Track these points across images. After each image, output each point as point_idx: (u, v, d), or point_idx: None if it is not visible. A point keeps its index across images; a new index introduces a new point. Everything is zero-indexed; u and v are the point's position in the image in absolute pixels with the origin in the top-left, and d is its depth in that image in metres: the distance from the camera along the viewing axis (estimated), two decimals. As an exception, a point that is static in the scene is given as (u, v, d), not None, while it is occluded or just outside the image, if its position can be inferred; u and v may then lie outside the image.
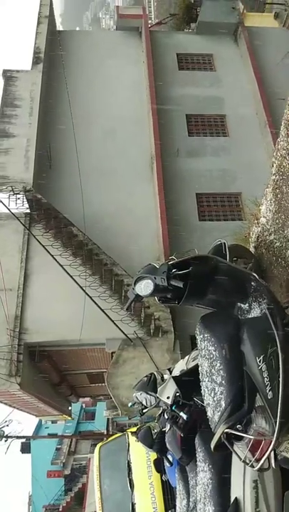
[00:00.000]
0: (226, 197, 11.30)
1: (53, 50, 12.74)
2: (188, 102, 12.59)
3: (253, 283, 3.40)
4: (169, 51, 13.66)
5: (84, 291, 8.60)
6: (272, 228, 4.41)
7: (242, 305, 3.34)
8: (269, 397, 2.30)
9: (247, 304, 3.31)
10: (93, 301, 8.46)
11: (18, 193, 9.51)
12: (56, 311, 9.03)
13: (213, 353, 2.63)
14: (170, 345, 8.76)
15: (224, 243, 4.05)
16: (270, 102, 12.15)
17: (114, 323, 8.32)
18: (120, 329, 8.39)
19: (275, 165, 4.32)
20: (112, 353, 9.12)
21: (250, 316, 3.05)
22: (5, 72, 11.70)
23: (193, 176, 11.31)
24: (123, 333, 8.47)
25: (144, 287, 3.23)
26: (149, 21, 16.97)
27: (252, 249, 4.94)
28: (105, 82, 12.69)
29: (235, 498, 2.86)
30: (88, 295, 8.54)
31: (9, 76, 11.58)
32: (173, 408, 3.37)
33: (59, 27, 14.40)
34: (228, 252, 4.04)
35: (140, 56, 13.32)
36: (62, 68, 11.76)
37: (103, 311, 8.33)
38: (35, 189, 9.73)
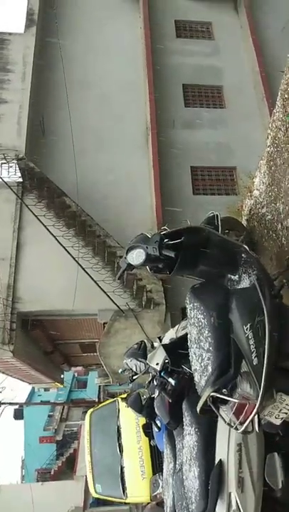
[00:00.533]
0: (220, 171, 11.23)
1: (47, 12, 12.23)
2: (186, 71, 12.30)
3: (243, 255, 3.44)
4: (167, 17, 13.19)
5: (77, 262, 8.61)
6: (265, 201, 4.43)
7: (232, 276, 3.39)
8: (254, 363, 2.38)
9: (237, 275, 3.36)
10: (86, 272, 8.50)
11: (11, 161, 9.34)
12: (49, 281, 9.08)
13: (202, 321, 2.69)
14: (161, 317, 8.90)
15: (217, 215, 4.07)
16: (269, 73, 11.89)
17: (107, 295, 8.40)
18: (112, 300, 8.48)
19: (270, 137, 4.29)
20: (104, 323, 9.25)
21: (239, 287, 3.11)
22: (-4, 34, 11.27)
23: (188, 148, 11.18)
24: (115, 304, 8.56)
25: (136, 256, 3.26)
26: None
27: (244, 222, 4.97)
28: (101, 47, 12.29)
29: (220, 460, 2.99)
30: (81, 266, 8.56)
31: (1, 39, 11.16)
32: (162, 374, 3.47)
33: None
34: (220, 224, 4.06)
35: (137, 21, 12.86)
36: (56, 32, 11.34)
37: (96, 282, 8.39)
38: (27, 157, 9.57)
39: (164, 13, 13.28)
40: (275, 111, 4.14)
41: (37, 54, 11.13)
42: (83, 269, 8.53)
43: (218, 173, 11.16)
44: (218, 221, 4.06)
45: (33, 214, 8.96)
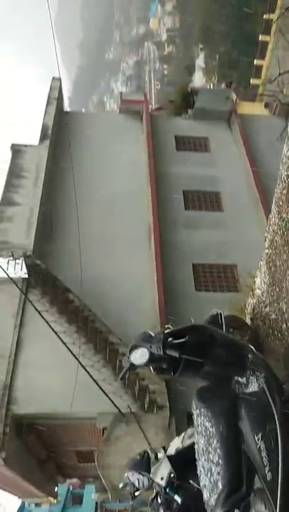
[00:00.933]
0: (221, 268, 11.50)
1: (60, 128, 13.71)
2: (185, 179, 13.33)
3: (249, 355, 3.36)
4: (167, 133, 14.72)
5: (77, 359, 8.36)
6: (268, 300, 4.47)
7: (239, 378, 3.28)
8: (268, 479, 2.19)
9: (244, 378, 3.26)
10: (86, 370, 8.20)
11: (18, 258, 9.65)
12: (47, 380, 8.72)
13: (210, 429, 2.54)
14: (165, 422, 8.34)
15: (220, 313, 4.07)
16: (263, 181, 12.89)
17: (107, 395, 7.99)
18: (113, 402, 8.04)
19: (267, 239, 4.50)
20: (103, 428, 8.65)
21: (247, 391, 2.99)
22: (13, 146, 12.47)
23: (189, 247, 11.62)
24: (116, 406, 8.11)
25: (140, 356, 3.20)
26: (150, 106, 18.47)
27: (248, 321, 4.95)
28: (107, 158, 13.50)
29: None
30: (81, 364, 8.29)
31: (17, 150, 12.33)
32: (167, 491, 3.17)
33: (66, 108, 15.63)
34: (224, 323, 4.05)
35: (141, 137, 14.32)
36: (67, 144, 12.55)
37: (96, 382, 8.04)
38: (34, 254, 9.90)
39: (165, 129, 14.87)
40: (270, 216, 4.41)
41: (49, 163, 12.19)
42: (83, 367, 8.25)
43: (220, 270, 11.42)
44: (222, 320, 4.05)
45: (35, 309, 8.95)
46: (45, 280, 9.73)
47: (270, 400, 2.51)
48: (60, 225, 11.33)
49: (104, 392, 7.96)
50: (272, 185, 4.79)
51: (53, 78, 15.12)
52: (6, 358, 8.92)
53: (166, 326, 3.69)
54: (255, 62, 30.17)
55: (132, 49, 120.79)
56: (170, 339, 3.26)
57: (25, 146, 12.57)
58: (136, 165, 13.38)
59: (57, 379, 8.64)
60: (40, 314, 8.78)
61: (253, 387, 2.99)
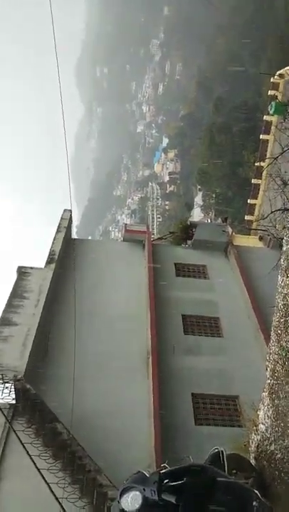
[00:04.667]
0: (223, 400, 10.87)
1: (66, 253, 14.43)
2: (184, 304, 13.49)
3: (254, 503, 3.03)
4: (167, 261, 15.43)
5: (60, 504, 7.34)
6: (272, 437, 4.12)
7: (244, 530, 2.88)
8: None
9: (250, 530, 2.86)
10: (69, 519, 7.14)
11: (8, 382, 9.19)
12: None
13: None
14: None
15: (222, 451, 3.72)
16: (261, 308, 13.03)
17: None
18: None
19: (269, 369, 4.36)
20: None
21: None
22: (19, 268, 12.95)
23: (189, 374, 11.16)
24: None
25: (132, 500, 2.87)
26: (152, 236, 19.74)
27: (252, 461, 4.48)
28: (110, 282, 13.90)
29: None
30: (64, 510, 7.25)
31: (23, 272, 12.77)
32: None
33: (74, 235, 16.68)
34: (226, 463, 3.68)
35: (142, 263, 14.97)
36: (72, 268, 13.06)
37: (80, 535, 6.93)
38: (26, 378, 9.45)
39: (165, 257, 15.62)
40: (270, 344, 4.35)
41: (52, 284, 12.49)
42: (67, 515, 7.21)
43: (221, 401, 10.76)
44: (223, 459, 3.68)
45: (19, 440, 8.20)
46: (33, 407, 9.11)
47: None
48: (57, 347, 11.09)
49: None
50: (270, 311, 4.85)
51: (64, 210, 16.49)
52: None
53: (162, 465, 3.37)
54: (249, 201, 33.22)
55: (137, 187, 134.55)
56: (166, 481, 2.96)
57: (31, 268, 13.06)
58: (137, 288, 13.70)
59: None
60: (24, 447, 8.04)
61: None
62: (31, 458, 7.91)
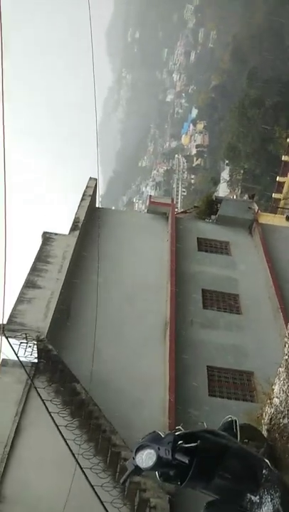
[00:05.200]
0: (238, 374, 11.01)
1: (90, 221, 14.55)
2: (205, 279, 13.52)
3: (264, 471, 3.13)
4: (190, 235, 15.37)
5: (76, 459, 7.77)
6: (286, 411, 4.20)
7: (252, 497, 3.00)
8: None
9: (258, 496, 2.98)
10: (84, 474, 7.57)
11: (31, 341, 9.57)
12: (40, 481, 8.02)
13: None
14: None
15: (235, 420, 3.83)
16: (282, 287, 12.94)
17: (103, 505, 7.22)
18: (108, 514, 7.22)
19: (287, 345, 4.39)
20: None
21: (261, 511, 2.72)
22: (44, 233, 13.18)
23: (205, 347, 11.32)
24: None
25: (146, 458, 2.99)
26: (176, 209, 19.60)
27: (264, 433, 4.59)
28: (132, 253, 14.01)
29: None
30: (80, 465, 7.68)
31: (48, 237, 13.00)
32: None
33: (98, 204, 16.72)
34: (238, 432, 3.79)
35: (165, 236, 14.97)
36: (95, 236, 13.20)
37: (93, 488, 7.35)
38: (48, 339, 9.81)
39: (189, 231, 15.55)
40: (291, 321, 4.37)
41: (76, 252, 12.71)
42: (82, 469, 7.64)
43: (236, 376, 10.91)
44: (236, 428, 3.79)
45: (40, 398, 8.62)
46: (54, 367, 9.50)
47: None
48: (78, 312, 11.39)
49: (101, 501, 7.23)
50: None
51: (90, 178, 16.49)
52: (2, 448, 8.34)
53: (176, 428, 3.49)
54: (278, 178, 32.38)
55: (163, 159, 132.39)
56: (180, 442, 3.07)
57: (56, 234, 13.27)
58: (158, 261, 13.78)
59: (51, 479, 7.97)
60: (44, 403, 8.44)
61: (268, 507, 2.72)
62: (50, 414, 8.33)
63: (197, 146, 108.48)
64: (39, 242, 12.90)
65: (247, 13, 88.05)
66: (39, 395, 8.69)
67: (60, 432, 8.08)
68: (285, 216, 19.53)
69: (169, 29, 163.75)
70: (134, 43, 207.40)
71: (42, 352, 9.60)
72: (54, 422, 8.24)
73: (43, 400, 8.53)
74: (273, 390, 4.64)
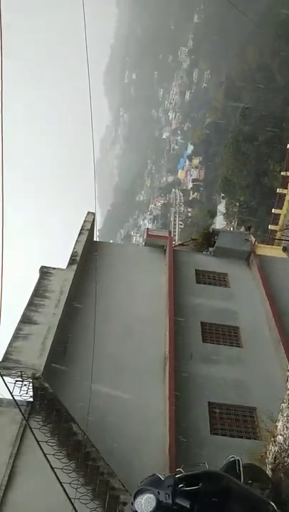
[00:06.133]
0: (240, 410, 10.69)
1: (88, 255, 14.55)
2: (204, 311, 13.37)
3: None
4: (188, 267, 15.35)
5: (72, 504, 7.38)
6: (291, 449, 4.03)
7: None
8: None
9: None
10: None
11: (26, 379, 9.31)
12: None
13: None
14: None
15: (238, 460, 3.67)
16: (283, 320, 12.79)
17: None
18: None
19: (289, 379, 4.27)
20: None
21: None
22: (42, 268, 13.13)
23: (206, 382, 11.03)
24: None
25: (145, 503, 2.85)
26: (173, 242, 19.69)
27: (269, 472, 4.39)
28: (130, 286, 13.93)
29: None
30: (76, 510, 7.28)
31: (45, 272, 12.94)
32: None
33: (96, 238, 16.78)
34: (242, 472, 3.62)
35: (163, 268, 14.95)
36: (93, 270, 13.16)
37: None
38: (44, 377, 9.55)
39: (186, 263, 15.54)
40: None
41: (73, 286, 12.62)
42: (78, 515, 7.23)
43: (238, 412, 10.58)
44: (239, 468, 3.63)
45: (35, 438, 8.29)
46: (50, 406, 9.20)
47: None
48: (76, 347, 11.18)
49: None
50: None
51: (88, 212, 16.65)
52: (-6, 495, 7.94)
53: (177, 470, 3.34)
54: (273, 210, 32.86)
55: (160, 193, 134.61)
56: (181, 485, 2.94)
57: (54, 268, 13.23)
58: (157, 293, 13.68)
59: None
60: (39, 445, 8.12)
61: None
62: (46, 456, 7.99)
63: (193, 181, 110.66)
64: (37, 276, 12.84)
65: (239, 52, 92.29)
66: (35, 437, 8.36)
67: (56, 475, 7.72)
68: (282, 247, 19.61)
69: (164, 70, 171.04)
70: (131, 83, 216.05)
71: (38, 390, 9.33)
72: (50, 464, 7.88)
73: (38, 442, 8.20)
74: (277, 426, 4.47)
